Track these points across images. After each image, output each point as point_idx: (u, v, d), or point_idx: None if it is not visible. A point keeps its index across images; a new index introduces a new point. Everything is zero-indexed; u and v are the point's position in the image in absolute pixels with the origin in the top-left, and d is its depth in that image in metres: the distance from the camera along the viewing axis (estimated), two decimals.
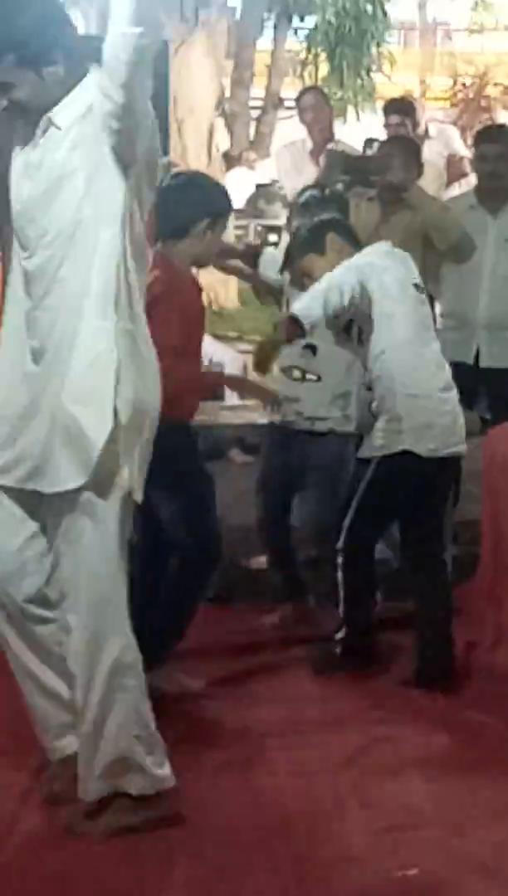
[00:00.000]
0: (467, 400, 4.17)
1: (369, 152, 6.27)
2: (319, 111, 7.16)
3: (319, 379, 4.29)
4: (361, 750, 3.42)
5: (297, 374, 4.34)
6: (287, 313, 3.97)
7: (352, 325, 3.89)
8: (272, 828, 2.87)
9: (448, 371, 3.88)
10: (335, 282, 3.68)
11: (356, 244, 3.89)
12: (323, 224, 3.97)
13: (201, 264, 3.87)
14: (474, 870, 2.77)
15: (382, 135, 6.90)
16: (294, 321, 3.72)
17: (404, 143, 5.81)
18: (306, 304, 3.74)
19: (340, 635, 3.96)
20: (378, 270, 3.75)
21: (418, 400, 3.80)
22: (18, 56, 2.34)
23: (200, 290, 3.78)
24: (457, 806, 3.09)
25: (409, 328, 3.82)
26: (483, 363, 5.05)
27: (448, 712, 3.67)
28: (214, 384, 4.33)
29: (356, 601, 4.00)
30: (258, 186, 10.81)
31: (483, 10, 17.45)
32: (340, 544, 3.86)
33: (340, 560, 3.90)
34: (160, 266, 3.45)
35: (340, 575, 3.92)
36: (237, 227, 9.44)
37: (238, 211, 8.70)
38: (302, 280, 3.95)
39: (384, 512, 3.96)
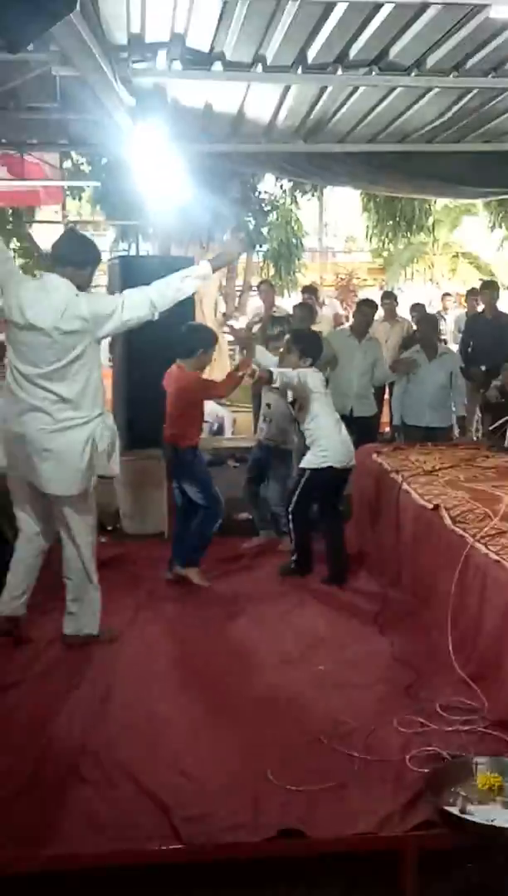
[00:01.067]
0: None
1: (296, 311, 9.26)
2: (268, 292, 10.71)
3: (272, 421, 6.49)
4: (294, 608, 5.24)
5: (263, 422, 6.64)
6: (268, 368, 5.63)
7: (296, 401, 5.68)
8: (238, 637, 4.70)
9: (341, 421, 5.77)
10: (296, 373, 5.47)
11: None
12: (295, 339, 5.88)
13: (201, 369, 5.59)
14: (348, 665, 4.33)
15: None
16: (270, 375, 5.52)
17: (306, 307, 8.92)
18: (282, 373, 5.49)
19: (293, 557, 5.86)
20: (312, 375, 5.56)
21: (332, 439, 5.55)
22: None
23: (203, 381, 5.63)
24: (336, 635, 4.78)
25: (326, 404, 5.59)
26: (355, 414, 7.67)
27: (338, 592, 5.55)
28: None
29: (301, 539, 5.78)
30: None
31: (351, 241, 27.11)
32: (291, 508, 5.75)
33: (290, 518, 5.77)
34: (177, 372, 5.45)
35: (291, 525, 5.80)
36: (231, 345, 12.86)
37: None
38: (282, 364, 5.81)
39: (312, 495, 5.70)
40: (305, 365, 5.47)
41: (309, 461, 5.51)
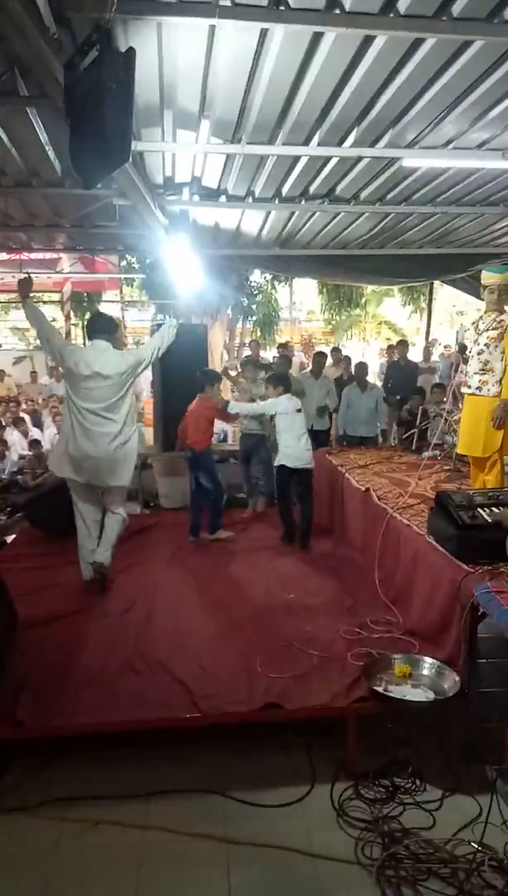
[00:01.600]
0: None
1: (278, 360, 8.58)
2: (255, 348, 10.60)
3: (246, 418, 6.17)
4: (274, 557, 5.14)
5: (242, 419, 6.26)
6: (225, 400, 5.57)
7: (273, 417, 5.35)
8: (236, 576, 4.74)
9: (305, 433, 5.25)
10: (273, 402, 5.21)
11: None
12: (270, 379, 5.49)
13: (213, 398, 5.43)
14: (309, 594, 4.32)
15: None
16: (225, 404, 5.35)
17: (285, 358, 8.60)
18: (235, 404, 5.46)
19: (283, 529, 5.46)
20: (284, 401, 5.20)
21: (288, 446, 5.16)
22: None
23: (215, 407, 5.42)
24: (302, 574, 4.77)
25: (290, 420, 5.16)
26: (314, 428, 7.19)
27: (307, 553, 5.24)
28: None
29: (285, 514, 5.43)
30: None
31: (311, 313, 25.19)
32: (275, 496, 5.51)
33: (276, 501, 5.54)
34: (197, 402, 5.49)
35: (278, 503, 5.48)
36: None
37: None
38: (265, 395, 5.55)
39: (281, 484, 5.36)
40: (277, 394, 5.20)
41: (276, 460, 5.30)
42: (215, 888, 2.39)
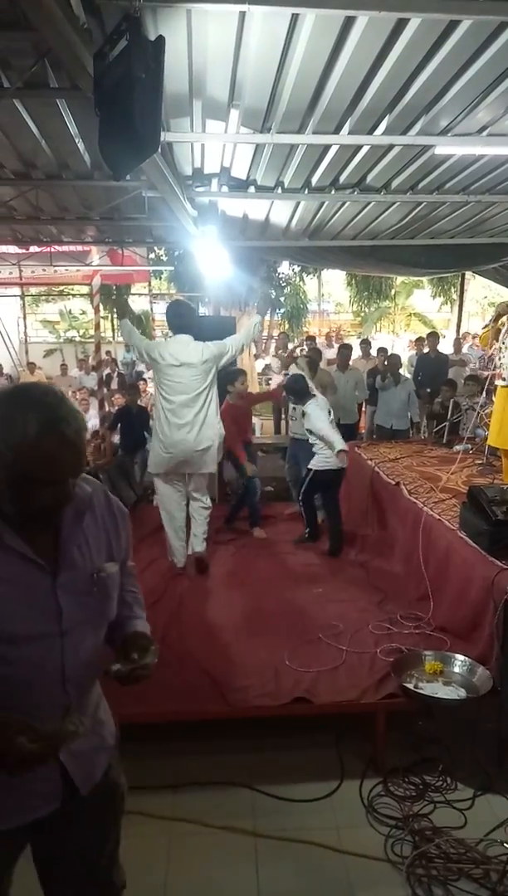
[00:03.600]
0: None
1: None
2: (282, 340, 10.48)
3: (295, 420, 5.87)
4: (304, 551, 5.13)
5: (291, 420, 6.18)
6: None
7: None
8: (266, 569, 4.68)
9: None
10: (314, 418, 4.91)
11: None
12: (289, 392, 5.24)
13: (241, 395, 5.49)
14: (338, 588, 4.31)
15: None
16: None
17: (314, 350, 7.83)
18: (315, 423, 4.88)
19: (307, 530, 5.32)
20: (314, 407, 4.99)
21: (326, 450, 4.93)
22: None
23: (248, 402, 5.64)
24: (330, 569, 4.75)
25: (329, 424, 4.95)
26: (341, 422, 6.75)
27: (336, 560, 5.00)
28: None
29: (310, 519, 5.30)
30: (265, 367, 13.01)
31: (339, 306, 24.68)
32: (300, 497, 5.23)
33: (300, 503, 5.28)
34: (225, 404, 5.14)
35: (301, 508, 5.31)
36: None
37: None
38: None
39: (315, 488, 5.14)
40: (303, 404, 5.05)
41: (314, 464, 5.03)
42: (243, 881, 2.39)
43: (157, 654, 1.45)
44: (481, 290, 20.04)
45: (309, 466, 5.07)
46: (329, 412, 5.08)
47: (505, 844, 2.48)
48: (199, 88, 3.78)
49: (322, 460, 4.95)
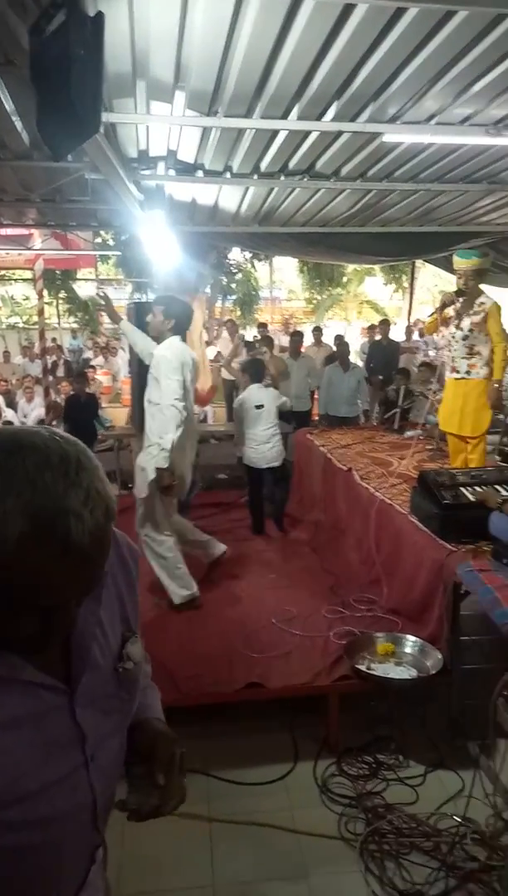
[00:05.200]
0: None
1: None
2: (232, 326, 10.58)
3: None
4: (254, 538, 5.25)
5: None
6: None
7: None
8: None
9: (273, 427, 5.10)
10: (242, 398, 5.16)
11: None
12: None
13: None
14: (291, 573, 4.43)
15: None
16: None
17: (268, 339, 8.24)
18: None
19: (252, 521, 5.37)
20: (255, 390, 5.14)
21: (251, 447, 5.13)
22: None
23: None
24: (283, 555, 4.89)
25: (254, 418, 5.07)
26: (295, 409, 7.00)
27: (286, 528, 5.39)
28: None
29: (257, 508, 5.37)
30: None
31: (292, 293, 24.30)
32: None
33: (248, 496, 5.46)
34: None
35: (250, 497, 5.41)
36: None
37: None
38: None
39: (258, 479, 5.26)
40: (246, 382, 5.13)
41: (245, 457, 5.13)
42: (198, 865, 2.43)
43: (185, 764, 1.06)
44: (431, 279, 20.39)
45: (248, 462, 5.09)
46: (259, 407, 5.04)
47: (455, 817, 2.59)
48: (142, 68, 3.73)
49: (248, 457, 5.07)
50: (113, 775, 0.98)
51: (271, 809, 2.69)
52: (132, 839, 2.50)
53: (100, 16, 2.25)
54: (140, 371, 6.87)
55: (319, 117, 4.42)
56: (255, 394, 5.05)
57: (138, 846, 2.47)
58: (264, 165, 5.63)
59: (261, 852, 2.51)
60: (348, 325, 20.03)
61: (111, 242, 12.99)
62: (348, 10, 3.13)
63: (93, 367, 13.25)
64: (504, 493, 3.43)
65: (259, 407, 5.05)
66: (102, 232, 12.46)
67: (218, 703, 3.08)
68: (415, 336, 13.11)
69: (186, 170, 5.72)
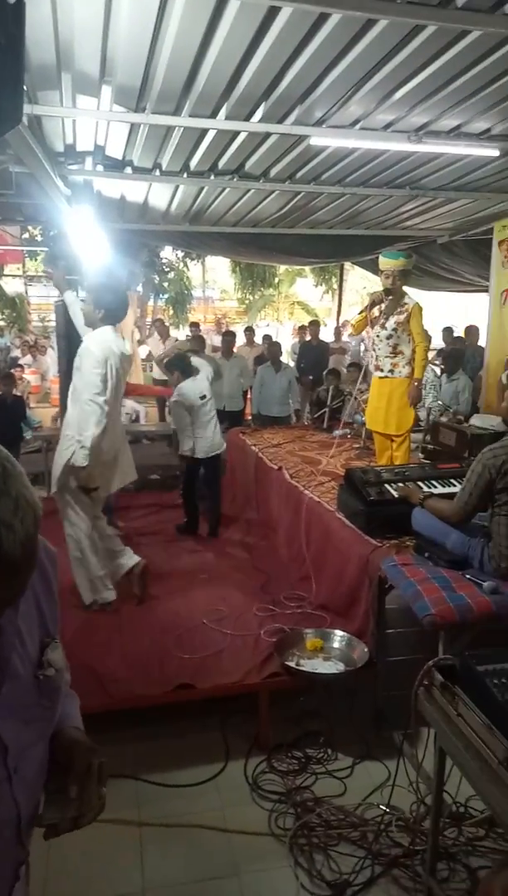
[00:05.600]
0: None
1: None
2: (162, 326, 10.40)
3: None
4: (189, 540, 5.13)
5: None
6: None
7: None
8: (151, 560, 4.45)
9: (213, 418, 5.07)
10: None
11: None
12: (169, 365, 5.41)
13: None
14: (222, 572, 4.43)
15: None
16: None
17: (200, 338, 8.37)
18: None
19: (185, 519, 5.29)
20: (189, 385, 4.99)
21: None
22: None
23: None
24: (215, 553, 4.82)
25: (200, 411, 4.98)
26: (227, 409, 7.55)
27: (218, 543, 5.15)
28: None
29: (189, 509, 5.30)
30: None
31: (224, 293, 24.80)
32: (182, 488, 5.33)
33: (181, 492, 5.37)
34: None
35: (184, 493, 5.32)
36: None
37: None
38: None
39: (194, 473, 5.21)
40: (176, 379, 5.01)
41: (182, 450, 5.05)
42: (127, 873, 2.38)
43: (105, 773, 0.99)
44: (360, 281, 20.83)
45: (185, 454, 5.02)
46: (203, 397, 5.00)
47: (381, 806, 2.64)
48: (67, 60, 3.63)
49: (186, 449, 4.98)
50: (37, 786, 0.95)
51: (202, 810, 2.68)
52: (58, 850, 2.41)
53: (20, 4, 2.18)
54: (69, 370, 6.81)
55: (247, 118, 4.43)
56: (192, 387, 4.97)
57: (64, 857, 2.40)
58: (193, 164, 5.60)
59: (192, 853, 2.49)
60: (279, 326, 20.20)
61: (39, 238, 12.65)
62: (273, 13, 3.15)
63: (21, 366, 12.84)
64: (426, 489, 3.52)
65: (203, 398, 4.97)
66: (30, 227, 12.12)
67: (148, 706, 3.04)
68: (344, 337, 13.34)
69: (115, 166, 5.63)
